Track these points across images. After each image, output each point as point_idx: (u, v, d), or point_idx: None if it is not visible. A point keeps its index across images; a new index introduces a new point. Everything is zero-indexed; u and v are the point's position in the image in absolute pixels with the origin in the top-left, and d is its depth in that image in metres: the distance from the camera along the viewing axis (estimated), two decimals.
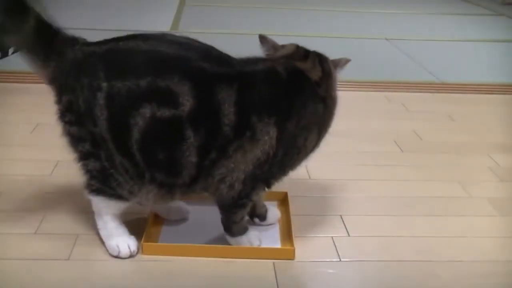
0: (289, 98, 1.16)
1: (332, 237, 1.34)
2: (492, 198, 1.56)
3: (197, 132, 1.10)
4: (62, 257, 1.22)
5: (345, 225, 1.39)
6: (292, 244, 1.26)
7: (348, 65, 1.31)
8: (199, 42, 1.22)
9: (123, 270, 1.20)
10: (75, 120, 1.16)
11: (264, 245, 1.27)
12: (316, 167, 1.63)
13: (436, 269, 1.25)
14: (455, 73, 2.76)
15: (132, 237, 1.25)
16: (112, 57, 1.16)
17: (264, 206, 1.36)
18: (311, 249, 1.29)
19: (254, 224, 1.35)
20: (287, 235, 1.31)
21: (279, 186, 1.27)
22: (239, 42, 3.15)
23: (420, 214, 1.47)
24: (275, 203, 1.45)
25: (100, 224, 1.26)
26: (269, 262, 1.23)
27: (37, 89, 2.27)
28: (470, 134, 2.01)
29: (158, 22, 3.55)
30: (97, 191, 1.20)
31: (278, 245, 1.29)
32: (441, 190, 1.60)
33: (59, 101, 1.19)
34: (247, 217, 1.31)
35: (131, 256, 1.23)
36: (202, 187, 1.17)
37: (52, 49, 1.21)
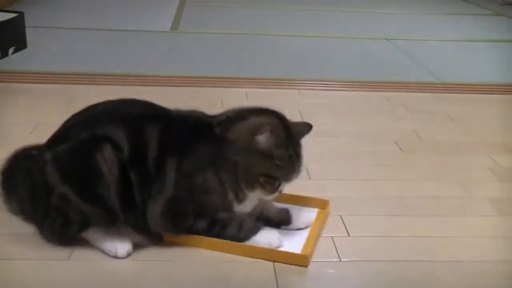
0: (186, 138, 1.23)
1: (332, 237, 1.34)
2: (492, 198, 1.56)
3: (136, 173, 1.19)
4: (62, 257, 1.22)
5: (345, 225, 1.39)
6: (308, 251, 1.24)
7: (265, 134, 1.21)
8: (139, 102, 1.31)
9: (123, 270, 1.20)
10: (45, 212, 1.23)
11: (284, 248, 1.25)
12: (316, 167, 1.63)
13: (436, 269, 1.25)
14: (455, 73, 2.76)
15: (125, 237, 1.24)
16: (52, 139, 1.25)
17: (283, 211, 1.34)
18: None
19: (281, 229, 1.32)
20: (312, 241, 1.28)
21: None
22: (239, 42, 3.16)
23: (420, 214, 1.47)
24: (315, 209, 1.42)
25: (89, 238, 1.25)
26: (269, 262, 1.23)
27: (37, 89, 2.28)
28: (470, 134, 2.01)
29: (158, 22, 3.55)
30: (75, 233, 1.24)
31: (298, 250, 1.26)
32: (441, 190, 1.60)
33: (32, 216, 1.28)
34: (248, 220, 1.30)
35: (128, 254, 1.22)
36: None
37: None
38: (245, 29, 3.44)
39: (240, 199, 1.25)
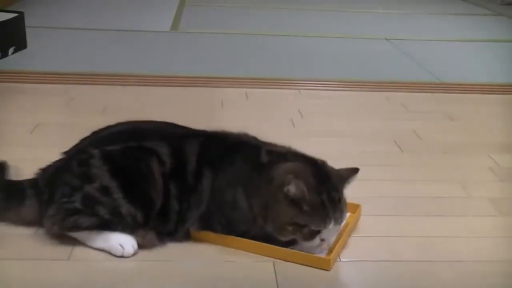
0: (225, 155, 1.27)
1: None
2: (492, 198, 1.56)
3: (176, 183, 1.24)
4: (62, 257, 1.22)
5: None
6: (333, 255, 1.22)
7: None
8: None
9: (123, 270, 1.20)
10: (68, 193, 1.23)
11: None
12: None
13: (436, 269, 1.25)
14: (455, 73, 2.76)
15: (128, 235, 1.24)
16: (96, 139, 1.30)
17: None
18: None
19: None
20: (337, 245, 1.26)
21: None
22: (239, 42, 3.16)
23: (420, 214, 1.47)
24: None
25: (88, 238, 1.24)
26: (269, 262, 1.23)
27: (37, 89, 2.28)
28: (470, 134, 2.01)
29: (158, 22, 3.55)
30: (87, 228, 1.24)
31: (323, 253, 1.24)
32: (441, 190, 1.60)
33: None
34: None
35: (135, 253, 1.22)
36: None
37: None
38: (245, 29, 3.44)
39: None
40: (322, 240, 1.21)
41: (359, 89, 2.44)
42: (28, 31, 2.78)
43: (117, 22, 3.47)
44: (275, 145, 1.31)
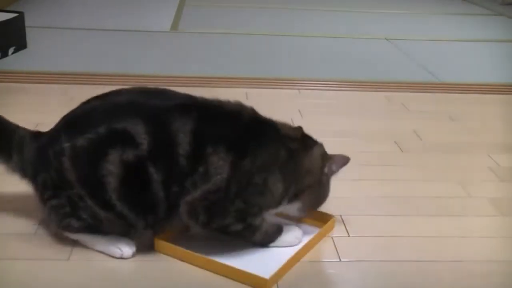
0: (248, 136, 1.18)
1: (332, 237, 1.34)
2: (492, 198, 1.56)
3: (158, 167, 1.13)
4: (62, 257, 1.22)
5: (345, 225, 1.39)
6: (279, 275, 1.18)
7: (346, 164, 1.32)
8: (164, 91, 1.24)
9: (123, 270, 1.20)
10: (53, 194, 1.19)
11: (269, 261, 1.21)
12: None
13: (436, 269, 1.25)
14: (455, 73, 2.76)
15: (125, 238, 1.24)
16: (70, 120, 1.22)
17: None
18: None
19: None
20: (293, 262, 1.23)
21: None
22: (239, 42, 3.16)
23: (420, 214, 1.47)
24: (315, 228, 1.35)
25: (88, 241, 1.24)
26: None
27: (37, 89, 2.28)
28: (470, 134, 2.01)
29: (158, 22, 3.55)
30: (80, 230, 1.22)
31: (277, 267, 1.18)
32: (441, 190, 1.60)
33: (35, 186, 1.22)
34: (271, 222, 1.28)
35: (133, 254, 1.22)
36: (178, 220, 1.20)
37: (12, 148, 1.24)
38: (245, 29, 3.44)
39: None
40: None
41: (359, 89, 2.44)
42: (28, 31, 2.78)
43: (117, 22, 3.47)
44: (284, 125, 1.28)
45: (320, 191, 1.28)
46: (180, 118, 1.14)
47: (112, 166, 1.13)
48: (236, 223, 1.19)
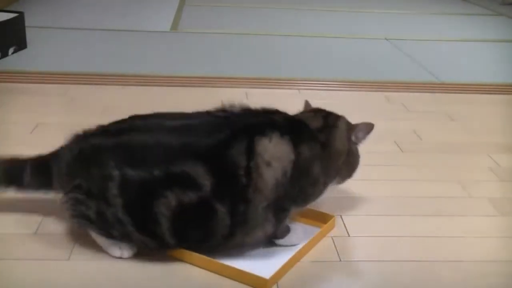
0: (291, 128, 1.25)
1: (332, 237, 1.34)
2: (492, 198, 1.56)
3: (224, 200, 1.14)
4: (62, 257, 1.22)
5: (345, 225, 1.39)
6: (280, 275, 1.18)
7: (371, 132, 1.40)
8: (194, 115, 1.26)
9: (123, 270, 1.20)
10: (84, 196, 1.18)
11: (269, 261, 1.22)
12: None
13: (436, 269, 1.25)
14: (455, 73, 2.76)
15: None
16: (121, 150, 1.17)
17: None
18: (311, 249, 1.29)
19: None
20: (293, 262, 1.23)
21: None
22: (239, 42, 3.16)
23: (420, 214, 1.47)
24: (315, 228, 1.35)
25: (94, 233, 1.25)
26: None
27: (37, 89, 2.28)
28: (470, 134, 2.01)
29: (158, 22, 3.55)
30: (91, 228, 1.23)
31: (277, 267, 1.18)
32: (441, 190, 1.60)
33: (68, 189, 1.21)
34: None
35: (133, 254, 1.23)
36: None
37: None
38: (245, 29, 3.44)
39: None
40: None
41: (359, 89, 2.44)
42: (28, 31, 2.78)
43: (117, 22, 3.47)
44: (307, 117, 1.36)
45: (352, 160, 1.35)
46: (234, 145, 1.16)
47: (167, 208, 1.13)
48: (291, 204, 1.23)
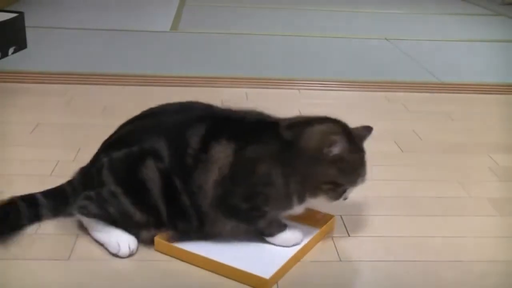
0: (249, 129, 1.24)
1: (332, 237, 1.34)
2: (492, 198, 1.56)
3: (178, 175, 1.21)
4: (62, 257, 1.22)
5: (345, 225, 1.39)
6: (280, 275, 1.18)
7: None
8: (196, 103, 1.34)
9: (123, 270, 1.20)
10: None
11: (269, 261, 1.21)
12: None
13: (436, 269, 1.25)
14: (455, 73, 2.76)
15: (132, 236, 1.25)
16: (107, 144, 1.32)
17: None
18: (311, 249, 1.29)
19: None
20: (293, 262, 1.23)
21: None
22: (239, 42, 3.16)
23: (420, 214, 1.47)
24: (315, 228, 1.34)
25: (94, 227, 1.27)
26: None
27: (37, 89, 2.28)
28: (470, 134, 2.01)
29: (158, 22, 3.55)
30: (94, 217, 1.27)
31: (277, 267, 1.18)
32: (441, 190, 1.60)
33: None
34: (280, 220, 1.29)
35: (130, 255, 1.23)
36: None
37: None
38: (245, 29, 3.44)
39: (300, 203, 1.24)
40: (345, 198, 1.26)
41: (359, 89, 2.44)
42: (28, 31, 2.78)
43: (117, 22, 3.47)
44: (291, 118, 1.29)
45: (345, 166, 1.21)
46: (194, 126, 1.23)
47: (150, 172, 1.21)
48: (244, 203, 1.21)
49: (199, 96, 2.26)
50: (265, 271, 1.16)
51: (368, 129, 1.33)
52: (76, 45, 2.94)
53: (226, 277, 1.18)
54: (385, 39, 3.36)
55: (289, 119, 1.28)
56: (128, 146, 1.24)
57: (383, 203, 1.51)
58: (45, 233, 1.30)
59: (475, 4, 4.74)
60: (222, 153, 1.19)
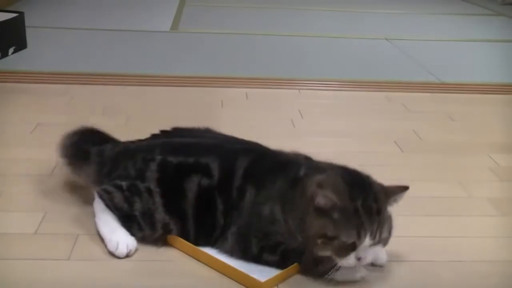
0: (269, 172, 1.27)
1: None
2: (492, 198, 1.56)
3: (222, 196, 1.25)
4: (62, 257, 1.22)
5: None
6: (277, 279, 1.17)
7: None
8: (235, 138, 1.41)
9: (123, 270, 1.20)
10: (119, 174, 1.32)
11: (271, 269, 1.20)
12: None
13: (436, 269, 1.25)
14: (455, 73, 2.76)
15: (132, 238, 1.25)
16: (167, 144, 1.36)
17: None
18: None
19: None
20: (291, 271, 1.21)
21: None
22: (239, 42, 3.16)
23: (420, 214, 1.47)
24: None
25: (102, 218, 1.28)
26: None
27: (37, 89, 2.28)
28: (470, 134, 2.01)
29: (158, 22, 3.55)
30: (112, 208, 1.29)
31: (277, 272, 1.18)
32: (441, 190, 1.60)
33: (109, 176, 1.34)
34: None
35: (127, 256, 1.22)
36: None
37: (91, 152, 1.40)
38: (245, 29, 3.44)
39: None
40: (359, 259, 1.12)
41: (359, 89, 2.44)
42: (28, 31, 2.78)
43: (117, 22, 3.47)
44: (321, 162, 1.29)
45: (307, 223, 1.15)
46: (241, 158, 1.28)
47: (192, 184, 1.26)
48: (265, 252, 1.21)
49: (199, 96, 2.28)
50: (263, 275, 1.16)
51: (402, 188, 1.24)
52: (76, 45, 2.94)
53: (227, 276, 1.18)
54: (385, 39, 3.36)
55: (317, 162, 1.29)
56: (185, 156, 1.29)
57: None
58: (45, 233, 1.30)
59: (475, 4, 4.74)
60: (248, 202, 1.24)
